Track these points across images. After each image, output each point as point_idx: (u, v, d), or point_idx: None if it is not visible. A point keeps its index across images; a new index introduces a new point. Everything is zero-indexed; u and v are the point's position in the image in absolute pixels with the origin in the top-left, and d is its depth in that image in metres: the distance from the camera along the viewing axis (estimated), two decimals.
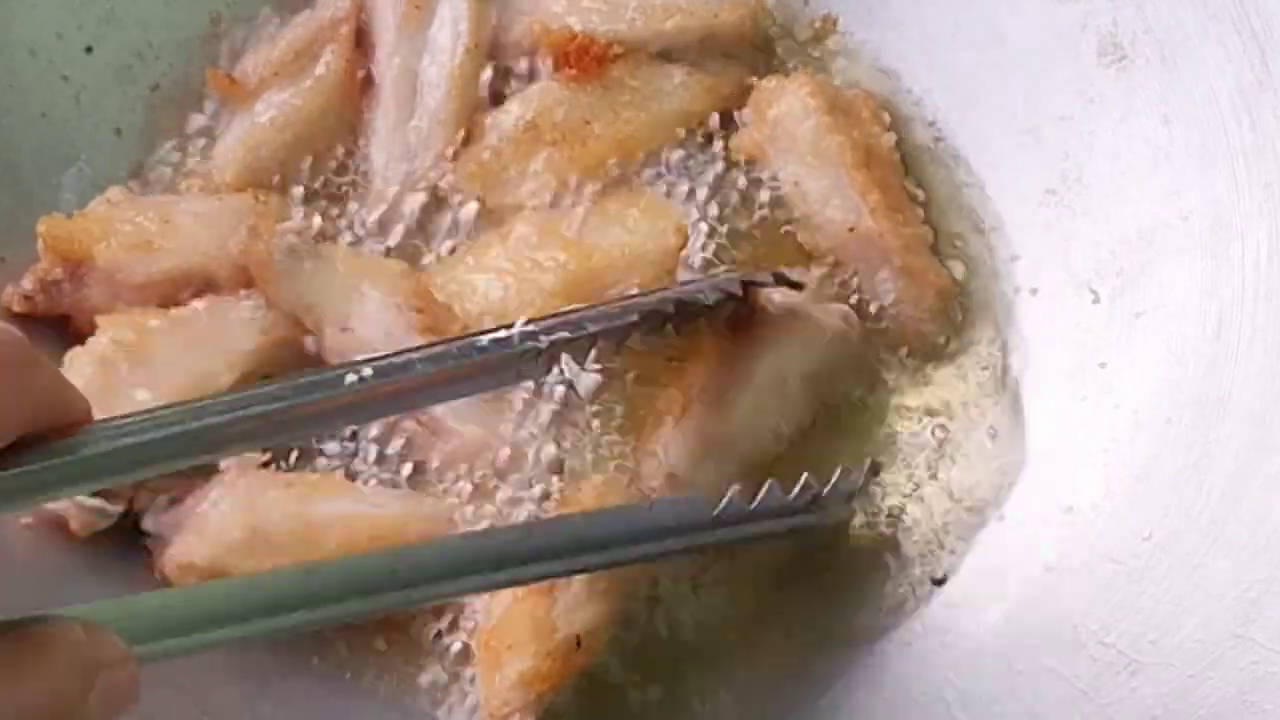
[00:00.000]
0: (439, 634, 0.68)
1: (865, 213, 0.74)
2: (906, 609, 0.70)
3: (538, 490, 0.70)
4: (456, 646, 0.67)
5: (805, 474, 0.65)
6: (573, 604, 0.64)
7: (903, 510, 0.72)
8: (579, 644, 0.63)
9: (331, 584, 0.54)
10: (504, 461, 0.70)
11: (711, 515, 0.62)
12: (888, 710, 0.67)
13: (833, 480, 0.66)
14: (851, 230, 0.74)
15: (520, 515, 0.69)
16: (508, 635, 0.64)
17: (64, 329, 0.70)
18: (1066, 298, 0.74)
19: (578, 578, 0.64)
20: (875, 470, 0.70)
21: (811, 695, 0.68)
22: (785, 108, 0.76)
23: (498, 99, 0.78)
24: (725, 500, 0.62)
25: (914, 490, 0.73)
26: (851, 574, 0.71)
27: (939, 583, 0.71)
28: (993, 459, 0.73)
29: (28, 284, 0.70)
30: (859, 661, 0.69)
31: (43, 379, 0.44)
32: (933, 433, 0.74)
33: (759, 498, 0.63)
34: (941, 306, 0.75)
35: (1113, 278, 0.73)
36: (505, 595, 0.65)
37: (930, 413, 0.75)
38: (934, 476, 0.74)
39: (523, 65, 0.79)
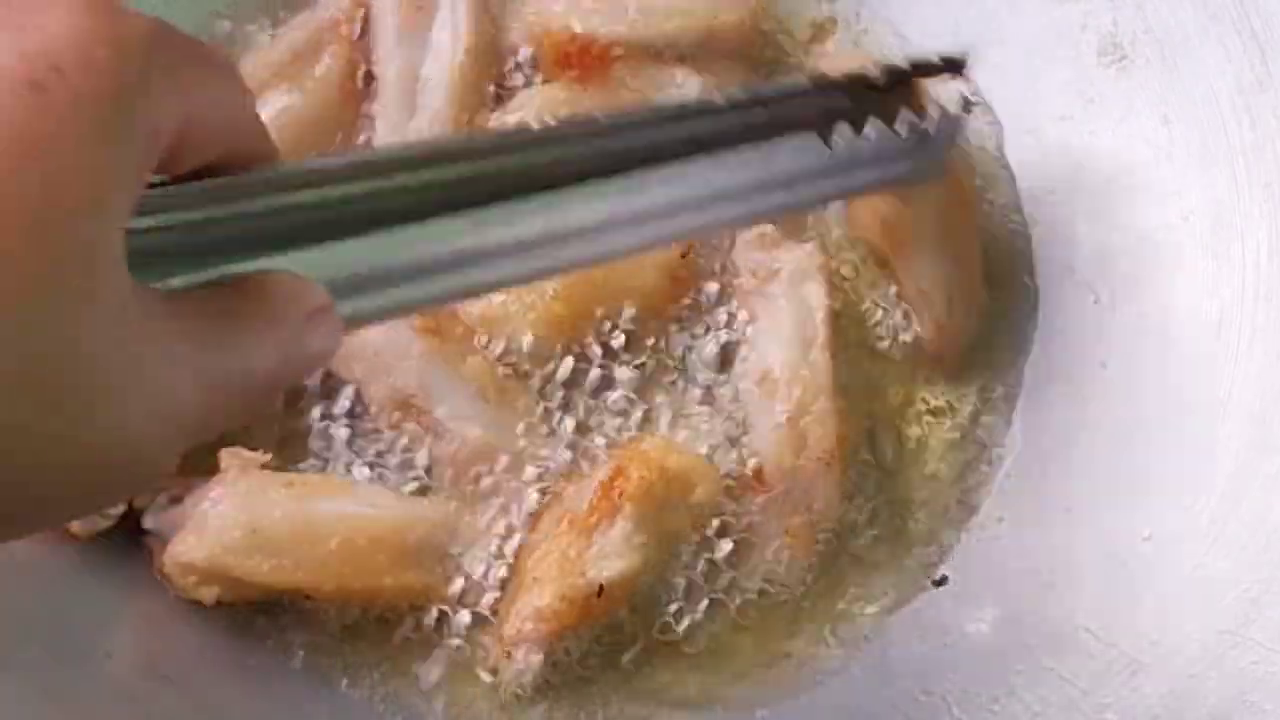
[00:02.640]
0: (436, 634, 0.68)
1: None
2: (906, 609, 0.70)
3: (538, 494, 0.70)
4: (456, 643, 0.68)
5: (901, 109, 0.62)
6: (608, 550, 0.65)
7: (903, 510, 0.73)
8: (600, 592, 0.64)
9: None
10: (505, 464, 0.70)
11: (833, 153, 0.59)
12: (888, 710, 0.67)
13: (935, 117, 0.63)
14: None
15: (522, 517, 0.69)
16: (539, 565, 0.65)
17: None
18: (1066, 298, 0.74)
19: (619, 526, 0.65)
20: (968, 107, 0.67)
21: (811, 695, 0.68)
22: None
23: (499, 99, 0.78)
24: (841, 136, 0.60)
25: (914, 490, 0.73)
26: (852, 574, 0.71)
27: (939, 583, 0.71)
28: (992, 459, 0.73)
29: None
30: (859, 661, 0.69)
31: (240, 98, 0.42)
32: (933, 433, 0.74)
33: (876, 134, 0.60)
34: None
35: (1113, 278, 0.73)
36: (550, 520, 0.67)
37: (932, 413, 0.75)
38: (935, 477, 0.74)
39: (524, 66, 0.79)
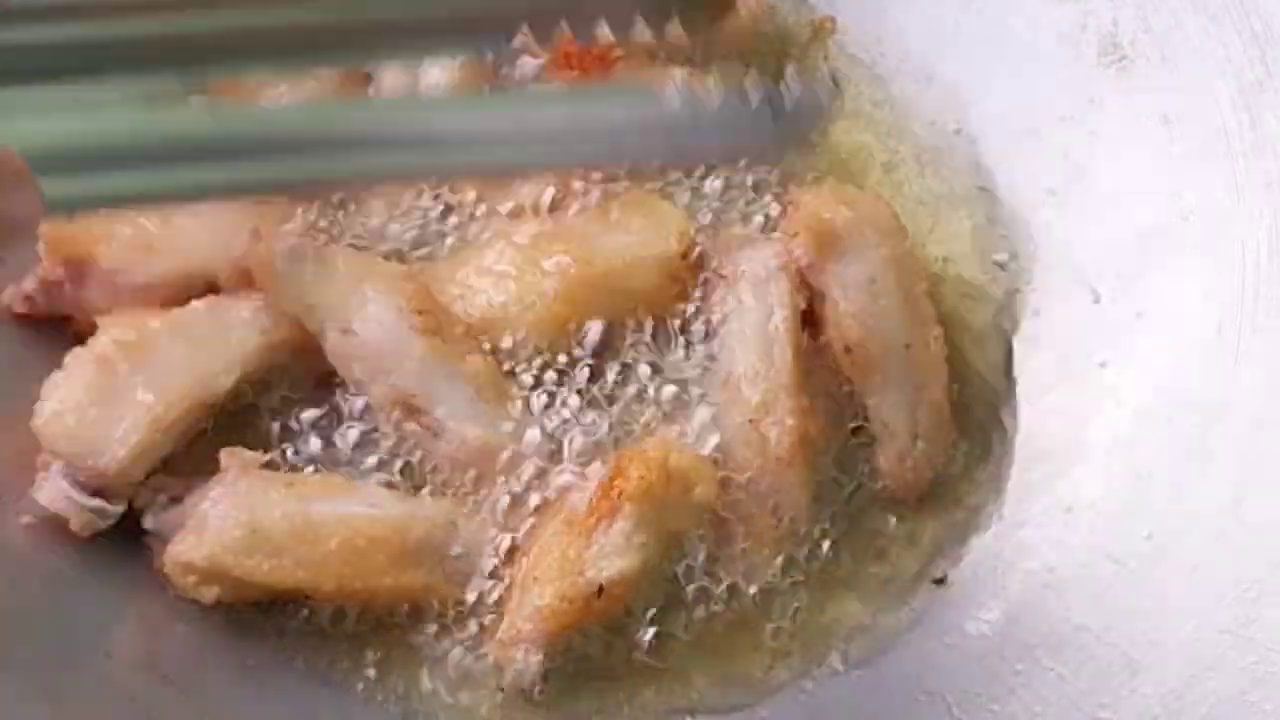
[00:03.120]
0: (436, 635, 0.68)
1: None
2: (906, 609, 0.70)
3: (537, 494, 0.70)
4: (455, 643, 0.68)
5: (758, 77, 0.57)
6: (608, 550, 0.65)
7: (903, 510, 0.73)
8: (600, 592, 0.64)
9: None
10: (504, 463, 0.70)
11: (669, 110, 0.55)
12: (888, 710, 0.67)
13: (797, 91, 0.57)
14: None
15: (522, 517, 0.69)
16: (539, 566, 0.66)
17: (65, 329, 0.71)
18: (1067, 298, 0.74)
19: (618, 526, 0.65)
20: (835, 82, 0.64)
21: (811, 694, 0.68)
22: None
23: None
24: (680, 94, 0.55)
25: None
26: (853, 574, 0.71)
27: (939, 582, 0.71)
28: (993, 459, 0.73)
29: (29, 285, 0.70)
30: (858, 661, 0.69)
31: None
32: None
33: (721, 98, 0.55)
34: None
35: (1113, 278, 0.73)
36: (550, 520, 0.67)
37: None
38: (935, 477, 0.74)
39: (524, 66, 0.79)
